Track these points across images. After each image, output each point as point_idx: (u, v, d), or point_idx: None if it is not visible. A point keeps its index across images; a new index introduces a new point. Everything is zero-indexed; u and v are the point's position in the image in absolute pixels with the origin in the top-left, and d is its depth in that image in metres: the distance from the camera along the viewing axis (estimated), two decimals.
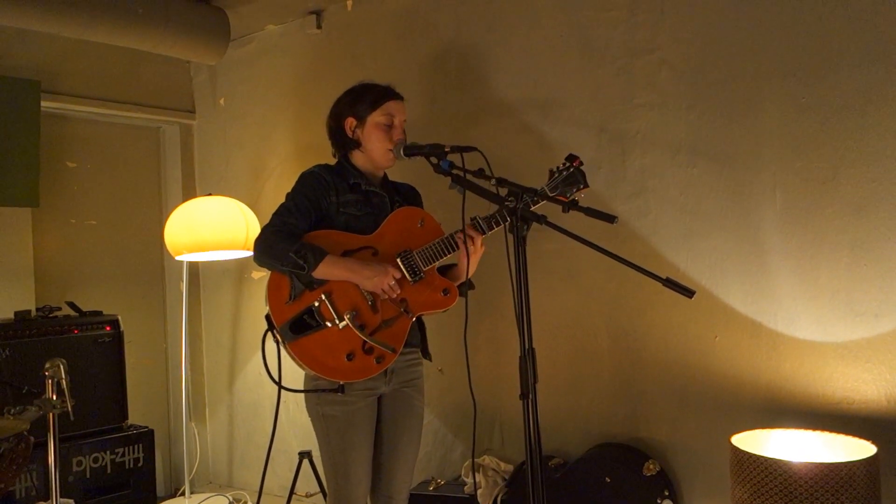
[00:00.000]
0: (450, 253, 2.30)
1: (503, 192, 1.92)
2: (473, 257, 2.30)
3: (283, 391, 2.27)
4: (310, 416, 2.35)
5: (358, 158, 2.40)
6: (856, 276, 2.43)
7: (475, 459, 3.16)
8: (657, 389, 2.85)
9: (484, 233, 2.29)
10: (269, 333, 2.24)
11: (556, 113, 3.08)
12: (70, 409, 2.43)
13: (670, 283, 1.70)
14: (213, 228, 3.53)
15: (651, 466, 2.75)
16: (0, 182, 3.46)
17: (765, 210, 2.60)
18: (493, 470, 3.08)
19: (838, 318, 2.46)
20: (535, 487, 1.71)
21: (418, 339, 2.44)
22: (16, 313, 3.36)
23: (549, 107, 3.10)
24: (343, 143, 2.41)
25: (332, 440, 2.29)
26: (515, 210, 1.80)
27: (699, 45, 2.73)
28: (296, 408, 3.85)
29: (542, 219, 1.79)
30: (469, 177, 2.04)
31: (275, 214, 2.26)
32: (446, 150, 2.11)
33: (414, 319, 2.33)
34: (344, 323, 2.22)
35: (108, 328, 3.58)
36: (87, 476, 3.40)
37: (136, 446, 3.57)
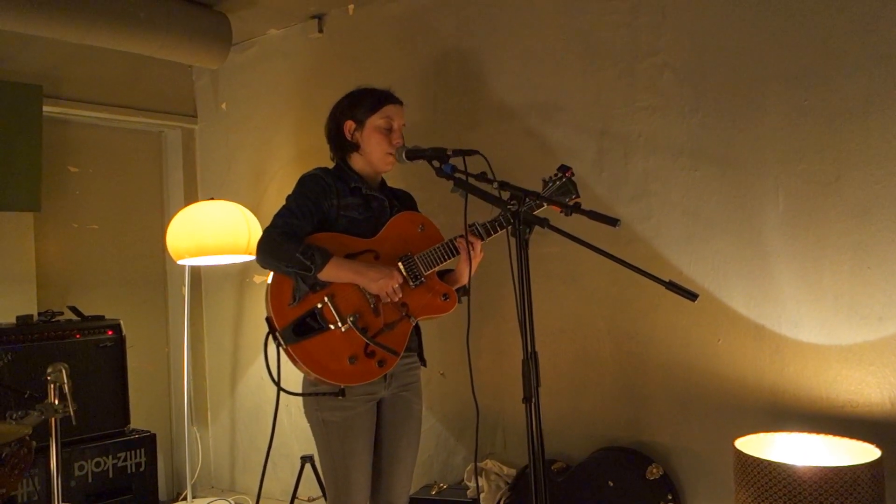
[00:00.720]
0: (450, 258, 2.30)
1: (505, 195, 1.92)
2: (473, 263, 2.30)
3: (282, 395, 2.26)
4: (309, 422, 2.34)
5: (356, 162, 2.40)
6: (859, 279, 2.42)
7: (478, 463, 3.15)
8: (660, 393, 2.85)
9: (483, 239, 2.29)
10: (271, 336, 2.23)
11: (558, 116, 3.08)
12: (72, 413, 2.42)
13: (673, 287, 1.69)
14: (215, 233, 3.53)
15: (654, 470, 2.75)
16: (2, 186, 3.47)
17: (768, 213, 2.60)
18: (496, 474, 3.08)
19: (842, 321, 2.46)
20: (537, 491, 1.71)
21: (416, 343, 2.44)
22: (18, 318, 3.36)
23: (550, 110, 3.10)
24: (342, 146, 2.41)
25: (333, 446, 2.28)
26: (518, 213, 1.80)
27: (701, 47, 2.73)
28: (298, 412, 3.84)
29: (544, 222, 1.79)
30: (471, 180, 2.04)
31: (277, 216, 2.25)
32: (448, 153, 2.11)
33: (414, 324, 2.33)
34: (346, 326, 2.21)
35: (110, 332, 3.58)
36: (89, 481, 3.39)
37: (138, 451, 3.57)
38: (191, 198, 4.38)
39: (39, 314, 3.49)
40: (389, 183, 2.52)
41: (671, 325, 2.81)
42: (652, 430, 2.87)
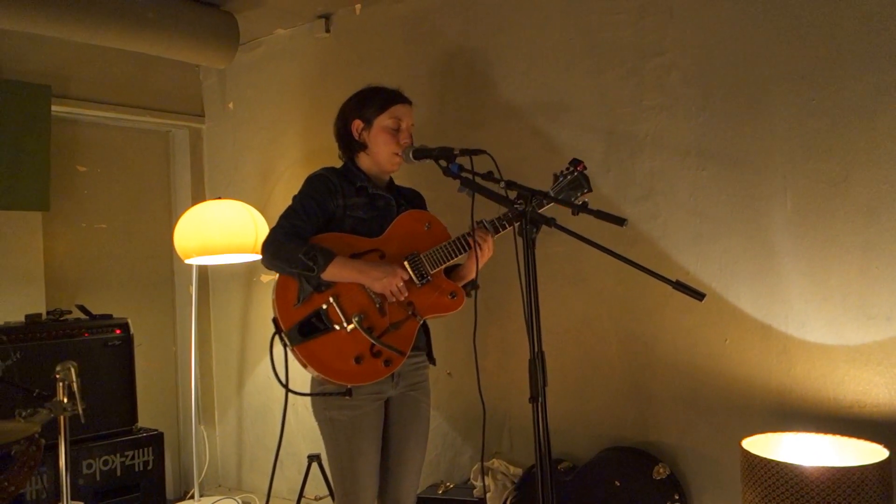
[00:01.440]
0: (457, 255, 2.30)
1: (512, 194, 1.92)
2: (482, 259, 2.29)
3: (290, 395, 2.27)
4: (317, 421, 2.34)
5: (364, 161, 2.40)
6: (867, 279, 2.41)
7: (484, 463, 3.15)
8: (667, 393, 2.84)
9: (493, 234, 2.28)
10: (277, 336, 2.24)
11: (565, 116, 3.07)
12: (81, 412, 2.44)
13: (680, 286, 1.69)
14: (223, 232, 3.54)
15: (661, 470, 2.74)
16: (11, 186, 3.49)
17: (775, 212, 2.59)
18: (503, 473, 3.08)
19: (850, 320, 2.45)
20: (544, 491, 1.71)
21: (424, 342, 2.44)
22: (26, 316, 3.38)
23: (557, 110, 3.09)
24: (350, 145, 2.41)
25: (340, 445, 2.28)
26: (525, 213, 1.79)
27: (708, 47, 2.72)
28: (305, 411, 3.85)
29: (551, 221, 1.79)
30: (478, 180, 2.04)
31: (282, 217, 2.26)
32: (455, 153, 2.11)
33: (421, 323, 2.33)
34: (352, 326, 2.21)
35: (118, 331, 3.60)
36: (97, 479, 3.41)
37: (145, 449, 3.58)
38: (198, 197, 4.39)
39: (48, 313, 3.51)
40: (397, 182, 2.53)
41: (678, 325, 2.81)
42: (659, 429, 2.87)
